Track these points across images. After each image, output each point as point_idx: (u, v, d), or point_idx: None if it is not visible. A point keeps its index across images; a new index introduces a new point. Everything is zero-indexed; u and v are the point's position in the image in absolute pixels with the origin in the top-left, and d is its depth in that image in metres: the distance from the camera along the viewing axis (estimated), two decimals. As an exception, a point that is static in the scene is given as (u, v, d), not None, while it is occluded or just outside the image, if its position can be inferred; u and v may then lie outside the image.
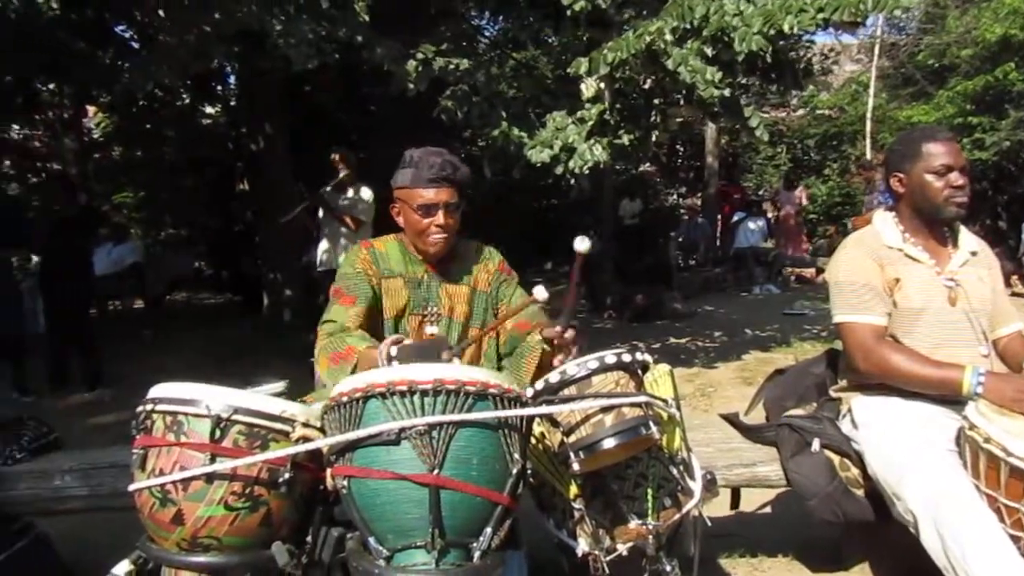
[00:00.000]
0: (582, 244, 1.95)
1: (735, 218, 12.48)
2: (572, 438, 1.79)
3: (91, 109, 13.83)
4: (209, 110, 12.91)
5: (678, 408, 1.97)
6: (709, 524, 1.99)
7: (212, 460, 1.61)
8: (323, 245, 6.17)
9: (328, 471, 1.70)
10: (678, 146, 19.22)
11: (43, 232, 5.96)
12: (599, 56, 4.69)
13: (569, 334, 2.00)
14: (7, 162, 13.20)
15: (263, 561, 1.68)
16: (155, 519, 1.63)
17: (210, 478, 1.60)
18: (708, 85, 4.49)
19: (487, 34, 10.99)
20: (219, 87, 10.85)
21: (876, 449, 2.24)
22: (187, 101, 10.99)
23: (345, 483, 1.59)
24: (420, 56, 5.09)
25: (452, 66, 5.15)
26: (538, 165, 5.13)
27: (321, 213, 6.18)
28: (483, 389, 1.59)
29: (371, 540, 1.56)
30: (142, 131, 12.18)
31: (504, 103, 5.44)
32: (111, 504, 2.37)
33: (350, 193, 5.93)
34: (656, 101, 5.96)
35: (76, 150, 12.82)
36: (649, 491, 1.90)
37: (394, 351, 1.84)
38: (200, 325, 9.12)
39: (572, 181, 5.40)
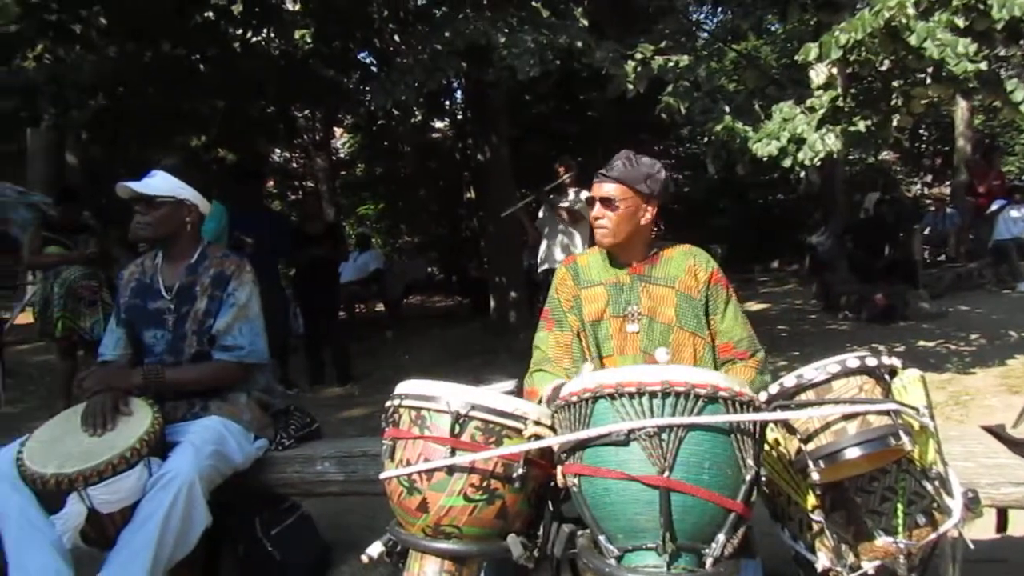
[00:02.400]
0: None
1: (993, 207, 11.10)
2: (811, 446, 1.69)
3: (338, 131, 15.29)
4: (438, 125, 13.74)
5: (931, 417, 1.79)
6: (971, 547, 1.79)
7: (452, 453, 1.71)
8: (542, 245, 6.32)
9: (559, 468, 1.74)
10: (922, 130, 17.47)
11: (299, 243, 6.64)
12: (830, 39, 4.39)
13: None
14: (271, 182, 14.91)
15: (499, 552, 1.76)
16: (403, 506, 1.76)
17: (451, 470, 1.70)
18: (960, 59, 4.04)
19: (706, 28, 10.69)
20: (448, 102, 11.50)
21: None
22: (419, 118, 11.77)
23: (575, 481, 1.62)
24: (639, 56, 5.07)
25: (671, 64, 5.08)
26: (764, 159, 4.91)
27: (541, 212, 6.34)
28: (713, 392, 1.55)
29: (602, 539, 1.58)
30: (381, 148, 13.24)
31: (727, 97, 5.27)
32: (363, 489, 2.56)
33: (571, 197, 6.03)
34: (896, 83, 5.47)
35: (326, 168, 14.22)
36: (899, 506, 1.75)
37: (548, 392, 1.95)
38: (433, 326, 9.71)
39: (801, 174, 5.10)
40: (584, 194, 5.92)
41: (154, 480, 2.12)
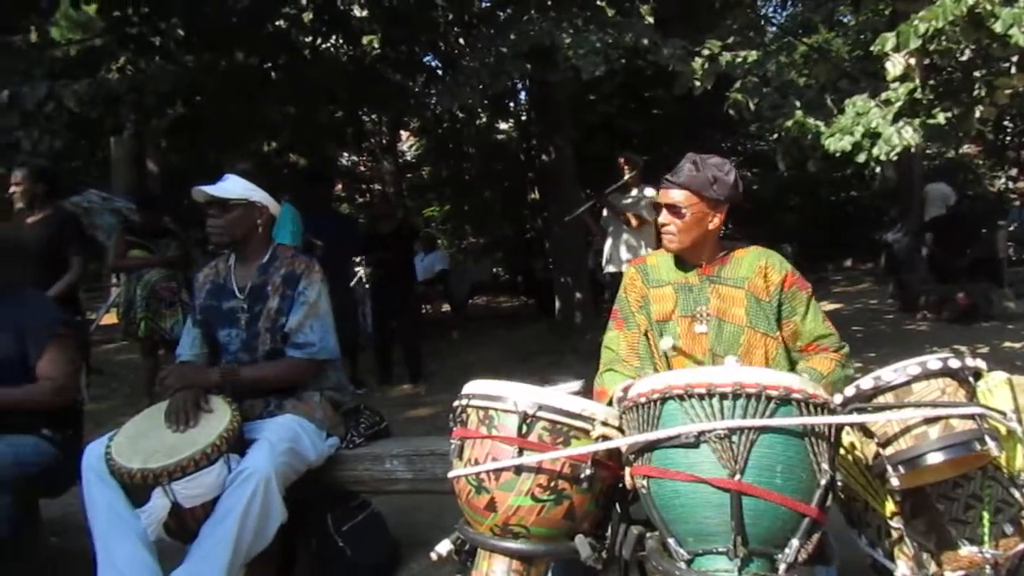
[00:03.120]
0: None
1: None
2: (890, 450, 1.64)
3: (404, 134, 15.52)
4: (503, 126, 13.81)
5: (1020, 422, 1.71)
6: (1063, 558, 1.71)
7: (520, 453, 1.71)
8: (607, 247, 6.24)
9: (627, 470, 1.73)
10: (1006, 122, 16.70)
11: (373, 244, 6.76)
12: (908, 28, 4.25)
13: None
14: (340, 185, 15.22)
15: (567, 552, 1.76)
16: (471, 504, 1.77)
17: (519, 470, 1.71)
18: (1048, 47, 3.86)
19: (775, 22, 10.46)
20: (512, 104, 11.54)
21: None
22: (484, 120, 11.84)
23: (644, 483, 1.61)
24: (706, 53, 4.99)
25: (739, 59, 4.99)
26: (836, 155, 4.77)
27: (605, 213, 6.29)
28: (786, 394, 1.52)
29: (671, 541, 1.57)
30: (447, 151, 13.38)
31: (797, 91, 5.14)
32: (431, 488, 2.59)
33: (633, 194, 5.96)
34: (978, 72, 5.25)
35: (393, 171, 14.45)
36: (984, 515, 1.68)
37: (619, 393, 1.90)
38: (499, 327, 9.75)
39: (876, 170, 4.94)
40: (649, 191, 5.84)
41: (233, 476, 2.19)
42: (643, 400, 1.62)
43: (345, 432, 2.74)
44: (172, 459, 2.12)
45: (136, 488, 2.15)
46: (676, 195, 2.15)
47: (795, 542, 1.49)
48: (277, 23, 7.44)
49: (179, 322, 5.23)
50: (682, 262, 2.26)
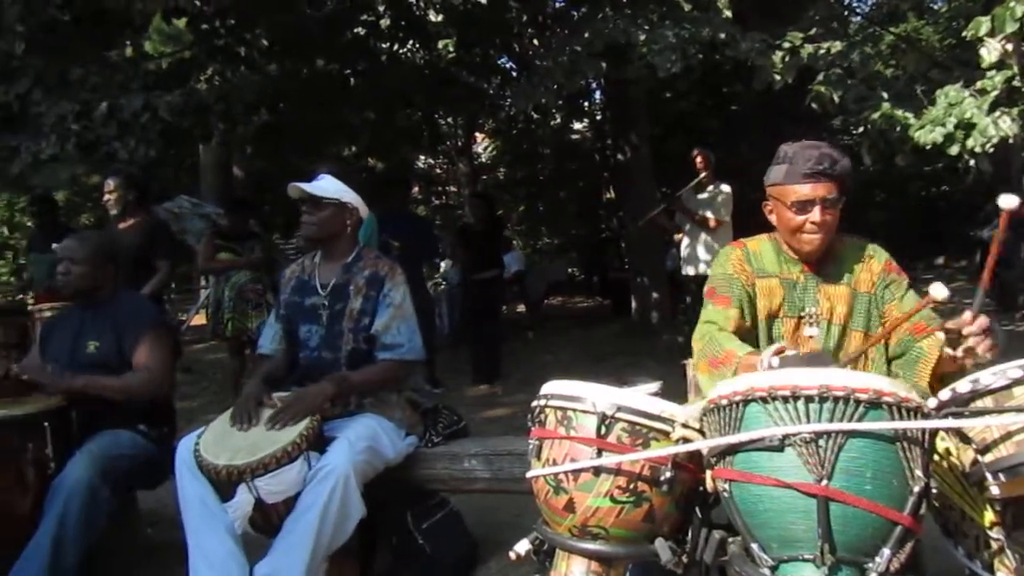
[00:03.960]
0: (1009, 201, 1.66)
1: None
2: (989, 457, 1.55)
3: (479, 136, 15.66)
4: (577, 126, 13.78)
5: None
6: None
7: (599, 454, 1.70)
8: (684, 247, 6.11)
9: (708, 473, 1.70)
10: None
11: (458, 244, 6.84)
12: (1004, 12, 4.04)
13: (980, 323, 1.74)
14: (416, 188, 15.46)
15: (646, 554, 1.73)
16: (550, 505, 1.77)
17: (597, 471, 1.70)
18: None
19: (859, 12, 10.10)
20: (586, 103, 11.50)
21: None
22: (559, 120, 11.84)
23: (726, 486, 1.57)
24: (786, 45, 4.86)
25: (822, 51, 4.83)
26: (927, 148, 4.58)
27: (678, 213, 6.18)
28: (876, 397, 1.46)
29: (754, 547, 1.53)
30: (521, 151, 13.44)
31: (884, 83, 4.96)
32: (509, 487, 2.60)
33: (708, 192, 5.83)
34: (1084, 56, 4.95)
35: (468, 173, 14.59)
36: (1093, 526, 1.58)
37: (775, 361, 1.73)
38: (575, 327, 9.72)
39: (970, 162, 4.71)
40: (725, 187, 5.71)
41: (313, 473, 2.24)
42: (724, 402, 1.58)
43: (424, 431, 2.77)
44: (255, 456, 2.19)
45: (223, 484, 2.23)
46: (829, 188, 1.97)
47: (886, 551, 1.43)
48: (356, 30, 7.62)
49: (264, 322, 5.40)
50: (787, 255, 2.11)
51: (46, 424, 2.52)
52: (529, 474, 1.82)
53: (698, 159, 5.88)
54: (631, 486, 1.70)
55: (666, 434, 1.73)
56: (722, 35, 4.89)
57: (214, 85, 6.63)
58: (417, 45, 8.57)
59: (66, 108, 5.44)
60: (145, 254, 4.64)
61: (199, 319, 9.11)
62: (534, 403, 1.88)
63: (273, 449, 2.20)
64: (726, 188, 5.73)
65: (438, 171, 16.54)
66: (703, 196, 5.82)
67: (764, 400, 1.51)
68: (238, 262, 5.58)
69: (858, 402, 1.45)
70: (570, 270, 14.17)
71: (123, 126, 5.48)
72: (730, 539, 1.70)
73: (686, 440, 1.71)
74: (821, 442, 1.44)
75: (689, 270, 5.95)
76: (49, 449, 2.51)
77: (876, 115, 4.71)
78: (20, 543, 2.40)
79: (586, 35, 5.13)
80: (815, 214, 1.97)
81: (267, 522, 2.25)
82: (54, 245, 5.52)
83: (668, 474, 1.68)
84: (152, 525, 3.33)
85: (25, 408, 2.55)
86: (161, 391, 2.87)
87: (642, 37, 4.83)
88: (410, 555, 2.64)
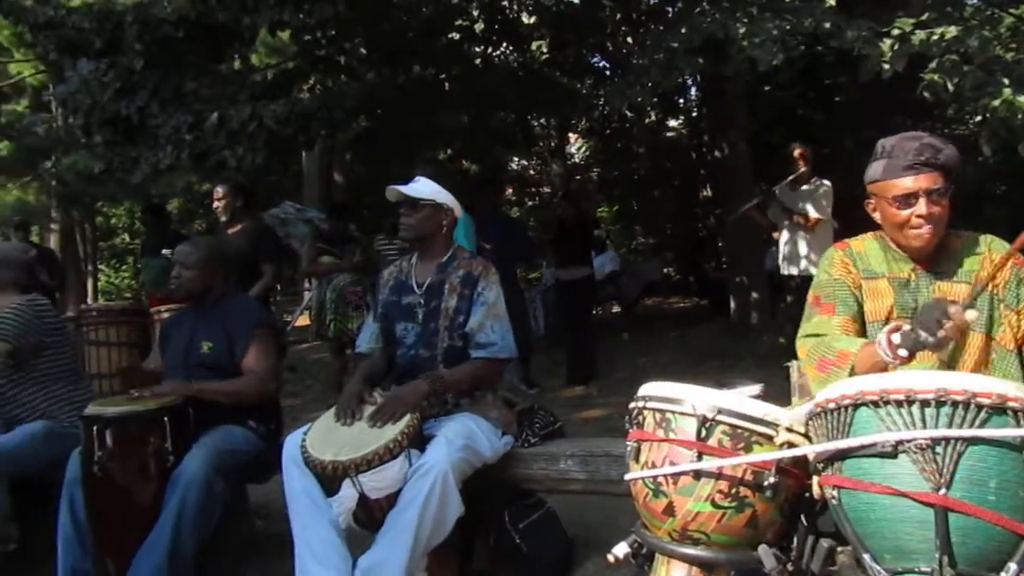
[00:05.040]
0: None
1: None
2: None
3: (572, 136, 15.62)
4: (673, 123, 13.56)
5: None
6: None
7: (699, 457, 1.66)
8: (783, 246, 5.87)
9: (815, 479, 1.63)
10: None
11: (551, 244, 6.86)
12: None
13: None
14: (509, 190, 15.56)
15: (749, 561, 1.69)
16: (649, 508, 1.75)
17: (697, 475, 1.66)
18: None
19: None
20: (682, 100, 11.31)
21: None
22: (653, 118, 11.68)
23: (835, 494, 1.52)
24: (895, 32, 4.63)
25: (935, 37, 4.57)
26: (1053, 136, 4.27)
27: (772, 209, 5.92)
28: (1000, 402, 1.38)
29: (866, 557, 1.47)
30: (615, 151, 13.33)
31: (1005, 68, 4.65)
32: (605, 489, 2.58)
33: (807, 188, 5.57)
34: None
35: (561, 174, 14.57)
36: None
37: (896, 338, 1.64)
38: (671, 328, 9.55)
39: (1106, 152, 4.37)
40: (824, 183, 5.46)
41: (413, 469, 2.29)
42: (832, 406, 1.52)
43: (520, 431, 2.79)
44: (359, 453, 2.25)
45: (328, 479, 2.30)
46: (934, 178, 1.86)
47: (1013, 566, 1.35)
48: (450, 35, 7.74)
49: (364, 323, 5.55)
50: (896, 253, 1.99)
51: (166, 420, 2.67)
52: (627, 476, 1.80)
53: (796, 153, 5.65)
54: (733, 491, 1.65)
55: (769, 438, 1.68)
56: (826, 25, 4.69)
57: (316, 94, 6.88)
58: (510, 47, 8.63)
59: (180, 120, 5.76)
60: (252, 258, 4.83)
61: (303, 320, 9.45)
62: (631, 405, 1.86)
63: (376, 446, 2.26)
64: (826, 184, 5.48)
65: (531, 172, 16.60)
66: (801, 192, 5.58)
67: (875, 404, 1.45)
68: (339, 265, 5.76)
69: (980, 407, 1.38)
70: (666, 270, 13.94)
71: (232, 135, 5.76)
72: (839, 548, 1.64)
73: (791, 445, 1.65)
74: (939, 449, 1.37)
75: (791, 269, 5.70)
76: (169, 443, 2.65)
77: (996, 102, 4.43)
78: (144, 530, 2.56)
79: (682, 31, 5.04)
80: (920, 207, 1.85)
81: (370, 517, 2.30)
82: (164, 251, 5.90)
83: (772, 479, 1.63)
84: (262, 517, 3.48)
85: (147, 405, 2.71)
86: (268, 391, 3.00)
87: (741, 30, 4.69)
88: (508, 554, 2.66)
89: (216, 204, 5.07)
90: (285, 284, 12.79)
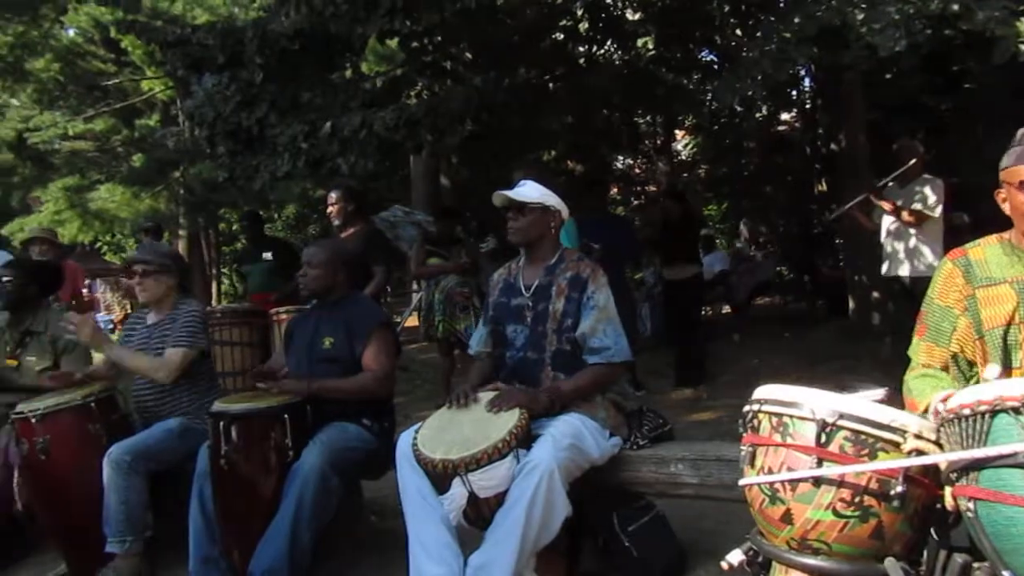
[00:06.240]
0: None
1: None
2: None
3: (679, 133, 15.33)
4: (785, 117, 13.10)
5: None
6: None
7: (819, 464, 1.59)
8: (887, 245, 5.47)
9: (947, 490, 1.53)
10: None
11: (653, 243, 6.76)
12: None
13: None
14: (615, 189, 15.42)
15: (874, 574, 1.60)
16: (765, 515, 1.68)
17: (818, 482, 1.59)
18: None
19: None
20: (794, 92, 10.91)
21: None
22: (764, 112, 11.32)
23: (970, 506, 1.42)
24: (1033, 11, 4.29)
25: (1084, 13, 4.21)
26: None
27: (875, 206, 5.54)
28: None
29: (1006, 575, 1.36)
30: (724, 147, 12.99)
31: None
32: (718, 494, 2.52)
33: (915, 184, 5.18)
34: None
35: (668, 172, 14.32)
36: None
37: (940, 407, 1.54)
38: (784, 329, 9.23)
39: None
40: (934, 184, 5.09)
41: (520, 467, 2.29)
42: (967, 412, 1.43)
43: (628, 433, 2.75)
44: (468, 452, 2.27)
45: (438, 477, 2.34)
46: None
47: None
48: (554, 36, 7.74)
49: (472, 324, 5.62)
50: (1019, 255, 1.87)
51: (286, 416, 2.80)
52: (742, 482, 1.74)
53: (904, 148, 5.29)
54: (856, 499, 1.58)
55: (896, 445, 1.59)
56: (954, 6, 4.39)
57: (423, 100, 7.02)
58: (615, 45, 8.54)
59: (297, 129, 6.01)
60: (363, 260, 4.98)
61: (412, 321, 9.68)
62: (746, 408, 1.80)
63: (485, 445, 2.28)
64: (936, 181, 5.10)
65: (637, 171, 16.39)
66: (910, 188, 5.20)
67: (1016, 411, 1.36)
68: (447, 267, 5.86)
69: None
70: (779, 269, 13.46)
71: (344, 143, 5.96)
72: (975, 564, 1.53)
73: (920, 452, 1.56)
74: (1090, 459, 1.26)
75: (901, 270, 5.32)
76: (288, 439, 2.78)
77: None
78: (265, 521, 2.69)
79: (795, 20, 4.83)
80: None
81: (479, 516, 2.32)
82: (265, 254, 6.16)
83: (899, 489, 1.55)
84: (376, 513, 3.58)
85: (268, 401, 2.84)
86: (385, 390, 3.09)
87: (859, 16, 4.45)
88: (617, 556, 2.63)
89: (330, 209, 5.25)
90: (394, 286, 13.13)
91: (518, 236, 2.77)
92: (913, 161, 5.13)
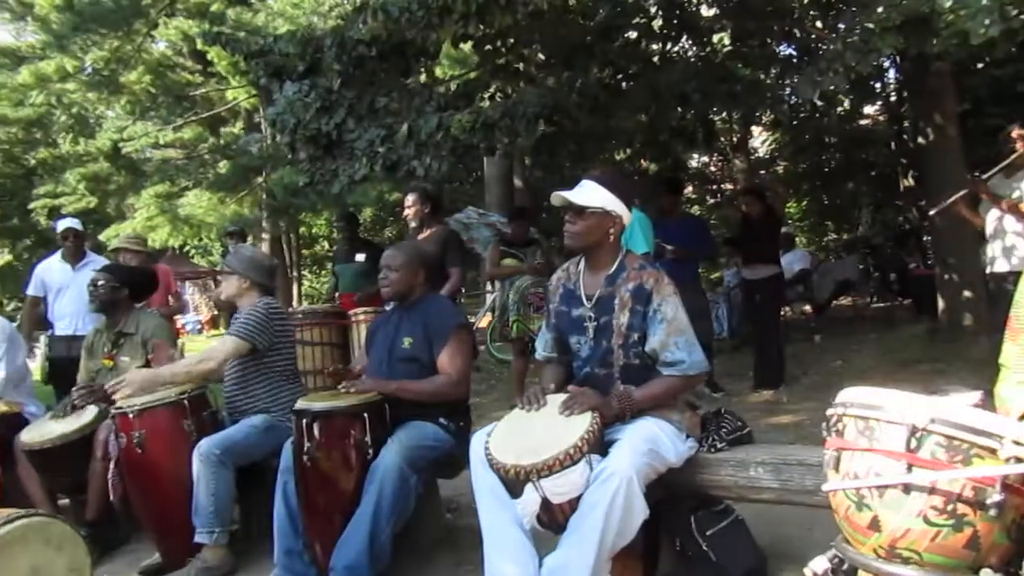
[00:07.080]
0: None
1: None
2: None
3: (756, 130, 15.00)
4: (868, 110, 12.67)
5: None
6: None
7: (908, 470, 1.54)
8: (992, 239, 5.14)
9: (1051, 500, 1.46)
10: None
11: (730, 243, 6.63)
12: None
13: None
14: (690, 187, 15.20)
15: (969, 587, 1.53)
16: (851, 521, 1.63)
17: (907, 488, 1.54)
18: None
19: None
20: (878, 85, 10.54)
21: None
22: (847, 106, 10.96)
23: (1076, 517, 1.34)
24: None
25: None
26: None
27: (983, 199, 5.22)
28: None
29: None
30: (804, 143, 12.64)
31: None
32: (799, 500, 2.45)
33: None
34: None
35: (745, 169, 14.03)
36: None
37: None
38: (868, 330, 8.92)
39: None
40: None
41: (595, 474, 2.26)
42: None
43: (705, 436, 2.70)
44: (540, 458, 2.25)
45: (510, 482, 2.33)
46: None
47: None
48: (627, 34, 7.67)
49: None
50: None
51: (365, 415, 2.86)
52: (826, 487, 1.69)
53: (1013, 134, 4.96)
54: (949, 507, 1.51)
55: (993, 451, 1.52)
56: (1052, -12, 4.17)
57: (497, 102, 7.06)
58: (690, 42, 8.40)
59: (374, 134, 6.14)
60: (439, 261, 5.04)
61: (486, 321, 9.75)
62: (830, 411, 1.75)
63: (556, 451, 2.25)
64: None
65: (712, 169, 16.12)
66: (1018, 179, 4.89)
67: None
68: (521, 267, 5.88)
69: None
70: (862, 267, 13.02)
71: (420, 146, 6.05)
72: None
73: (1020, 460, 1.48)
74: None
75: (998, 268, 5.02)
76: (368, 437, 2.84)
77: None
78: (346, 516, 2.77)
79: (879, 9, 4.66)
80: None
81: (553, 520, 2.31)
82: (358, 256, 6.30)
83: (996, 497, 1.48)
84: (451, 511, 3.62)
85: (349, 400, 2.91)
86: (459, 393, 3.13)
87: (948, 3, 4.25)
88: (695, 560, 2.59)
89: (407, 212, 5.34)
90: (469, 286, 13.26)
91: (574, 240, 2.64)
92: (1021, 151, 4.82)
